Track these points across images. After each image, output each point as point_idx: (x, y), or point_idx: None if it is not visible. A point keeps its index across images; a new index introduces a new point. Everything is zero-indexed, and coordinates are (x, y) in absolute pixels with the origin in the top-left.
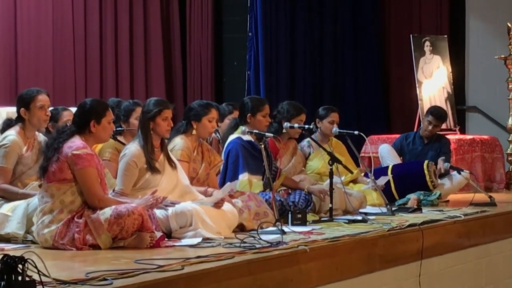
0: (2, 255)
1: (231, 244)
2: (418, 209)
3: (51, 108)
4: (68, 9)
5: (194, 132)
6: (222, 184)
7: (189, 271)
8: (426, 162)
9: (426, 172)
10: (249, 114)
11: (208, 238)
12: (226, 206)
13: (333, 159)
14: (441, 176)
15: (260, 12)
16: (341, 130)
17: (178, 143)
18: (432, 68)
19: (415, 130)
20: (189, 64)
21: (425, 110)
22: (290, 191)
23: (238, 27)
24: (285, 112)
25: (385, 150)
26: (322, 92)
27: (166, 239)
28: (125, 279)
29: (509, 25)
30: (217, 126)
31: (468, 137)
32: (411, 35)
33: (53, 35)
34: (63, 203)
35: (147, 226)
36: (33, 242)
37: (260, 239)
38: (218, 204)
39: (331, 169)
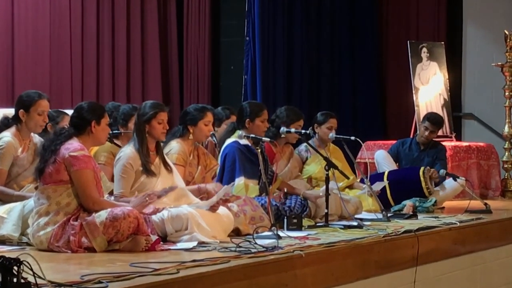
0: None
1: (226, 248)
2: (413, 215)
3: (52, 110)
4: (66, 12)
5: (191, 136)
6: None
7: (184, 274)
8: (422, 168)
9: (422, 178)
10: (247, 119)
11: (203, 242)
12: (222, 210)
13: (330, 165)
14: (437, 183)
15: (257, 16)
16: (338, 136)
17: (174, 147)
18: (429, 74)
19: (411, 136)
20: (186, 67)
21: (421, 117)
22: (286, 196)
23: (235, 31)
24: (285, 117)
25: (381, 156)
26: (319, 97)
27: (161, 242)
28: (120, 282)
29: (506, 32)
30: (214, 130)
31: (464, 144)
32: (408, 41)
33: (50, 37)
34: (59, 205)
35: (143, 229)
36: (28, 244)
37: (256, 243)
38: (213, 208)
39: (327, 174)
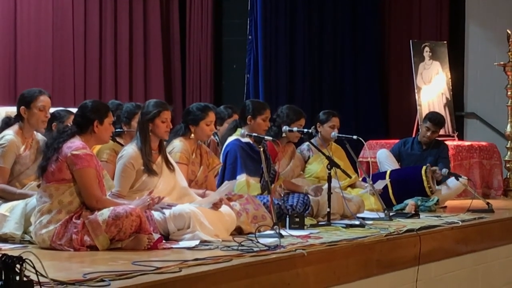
0: (0, 255)
1: (228, 247)
2: (415, 214)
3: (60, 108)
4: (68, 11)
5: (192, 136)
6: (220, 185)
7: (187, 273)
8: (424, 167)
9: (424, 177)
10: (249, 116)
11: (205, 241)
12: (224, 208)
13: (332, 164)
14: (439, 182)
15: (260, 15)
16: (340, 135)
17: (177, 145)
18: (431, 74)
19: (413, 135)
20: (188, 66)
21: (423, 116)
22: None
23: (238, 30)
24: (285, 116)
25: (383, 155)
26: (321, 96)
27: (163, 241)
28: (122, 281)
29: (509, 32)
30: (216, 129)
31: (467, 143)
32: (410, 41)
33: (53, 36)
34: (61, 204)
35: (145, 227)
36: (30, 242)
37: (258, 242)
38: (216, 205)
39: (330, 173)
